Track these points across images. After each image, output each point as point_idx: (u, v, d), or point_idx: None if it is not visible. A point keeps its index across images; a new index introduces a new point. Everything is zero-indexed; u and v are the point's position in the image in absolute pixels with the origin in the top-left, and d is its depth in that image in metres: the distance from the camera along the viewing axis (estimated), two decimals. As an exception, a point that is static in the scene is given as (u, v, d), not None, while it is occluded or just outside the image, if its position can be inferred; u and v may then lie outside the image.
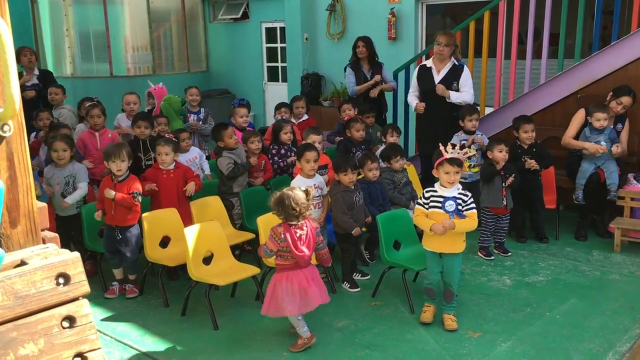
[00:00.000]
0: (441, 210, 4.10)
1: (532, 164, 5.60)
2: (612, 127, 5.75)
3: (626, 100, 5.71)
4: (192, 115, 7.10)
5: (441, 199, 4.12)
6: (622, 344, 3.91)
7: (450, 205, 4.08)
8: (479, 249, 5.53)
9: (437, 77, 6.34)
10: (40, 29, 12.26)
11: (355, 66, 7.43)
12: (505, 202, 5.36)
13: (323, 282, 4.07)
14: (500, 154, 5.34)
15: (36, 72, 7.78)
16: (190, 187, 5.14)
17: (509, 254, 5.52)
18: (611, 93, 5.83)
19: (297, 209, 3.74)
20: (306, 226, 3.85)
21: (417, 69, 6.59)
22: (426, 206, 4.17)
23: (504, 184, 5.34)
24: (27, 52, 7.67)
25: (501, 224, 5.51)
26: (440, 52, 6.27)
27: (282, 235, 3.77)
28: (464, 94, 6.24)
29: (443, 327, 4.18)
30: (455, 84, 6.30)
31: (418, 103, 6.42)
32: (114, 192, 4.68)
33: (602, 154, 5.67)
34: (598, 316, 4.32)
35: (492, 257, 5.44)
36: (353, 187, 4.90)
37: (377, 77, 7.25)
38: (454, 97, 6.19)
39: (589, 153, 5.69)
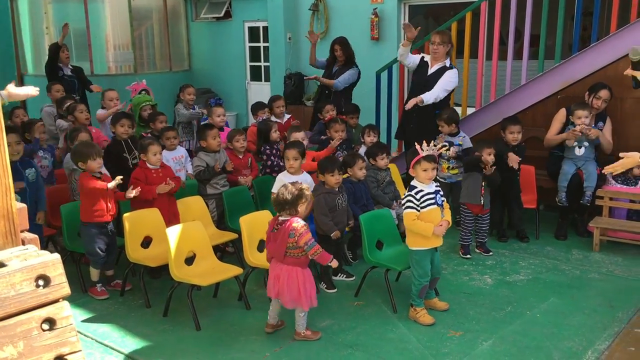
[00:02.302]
0: (435, 206, 4.17)
1: (513, 159, 5.62)
2: (594, 125, 5.81)
3: (604, 93, 5.79)
4: (192, 110, 7.24)
5: (432, 195, 4.18)
6: (601, 342, 3.96)
7: (439, 199, 4.22)
8: (460, 247, 5.57)
9: (430, 70, 6.34)
10: (20, 27, 12.11)
11: (330, 64, 7.58)
12: (482, 201, 5.39)
13: (296, 288, 3.91)
14: (489, 157, 5.36)
15: (70, 67, 8.18)
16: (162, 187, 5.00)
17: (491, 253, 5.56)
18: (587, 93, 5.91)
19: (282, 198, 3.87)
20: (284, 224, 3.88)
21: (420, 54, 6.56)
22: (419, 208, 4.16)
23: (483, 183, 5.38)
24: (64, 48, 8.10)
25: (481, 224, 5.55)
26: (434, 51, 6.28)
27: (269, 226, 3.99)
28: (432, 92, 6.13)
29: (435, 313, 4.33)
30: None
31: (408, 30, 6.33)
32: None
33: (582, 155, 5.74)
34: (577, 314, 4.37)
35: (470, 256, 5.48)
36: (337, 189, 4.90)
37: (314, 77, 7.55)
38: (426, 98, 6.11)
39: (570, 141, 5.70)
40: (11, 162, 4.51)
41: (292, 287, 3.90)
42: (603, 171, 3.88)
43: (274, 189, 4.89)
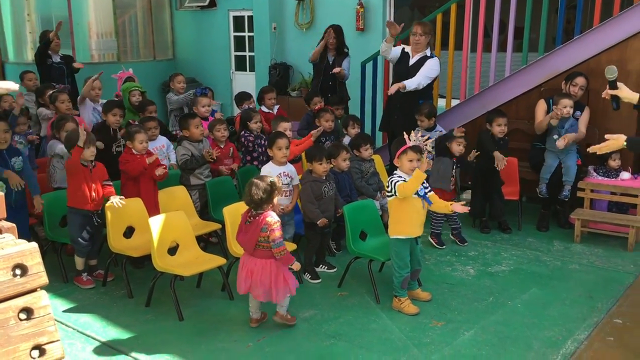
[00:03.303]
0: (416, 196, 4.18)
1: (500, 160, 5.64)
2: (572, 114, 5.84)
3: (580, 80, 5.85)
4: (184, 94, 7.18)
5: None
6: (581, 332, 4.01)
7: (421, 190, 4.22)
8: (431, 234, 5.57)
9: (412, 61, 6.35)
10: (0, 14, 11.90)
11: (322, 53, 7.49)
12: (452, 187, 5.43)
13: (270, 282, 3.89)
14: (457, 147, 5.41)
15: (59, 54, 8.19)
16: (160, 170, 5.07)
17: (466, 243, 5.60)
18: (564, 82, 5.95)
19: (255, 198, 3.81)
20: (259, 217, 3.86)
21: (401, 46, 6.55)
22: (401, 180, 4.18)
23: (453, 169, 5.43)
24: (55, 36, 8.07)
25: (452, 215, 5.50)
26: (417, 42, 6.28)
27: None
28: (415, 78, 6.15)
29: (418, 303, 4.36)
30: None
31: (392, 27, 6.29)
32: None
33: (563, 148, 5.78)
34: (558, 305, 4.42)
35: (445, 247, 5.51)
36: (324, 178, 4.90)
37: (336, 70, 7.28)
38: (409, 84, 6.11)
39: (555, 120, 5.70)
40: None
41: (264, 280, 3.88)
42: (588, 149, 3.86)
43: None
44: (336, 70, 7.25)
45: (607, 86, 3.90)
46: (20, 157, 4.96)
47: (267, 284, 3.88)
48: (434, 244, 5.55)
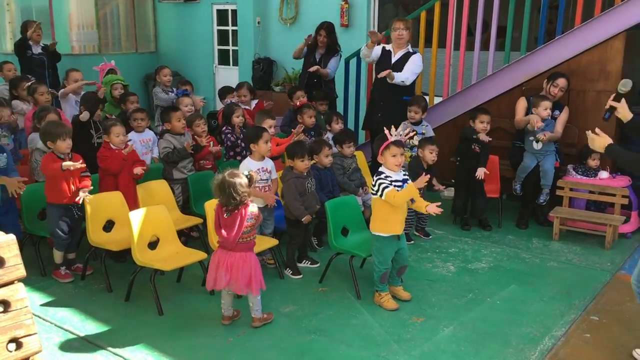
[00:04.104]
0: (399, 189, 4.17)
1: (480, 173, 5.72)
2: (551, 114, 5.90)
3: (561, 82, 5.91)
4: (170, 93, 7.06)
5: (399, 183, 4.19)
6: (558, 329, 4.06)
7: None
8: None
9: (394, 59, 6.39)
10: (-22, 2, 11.68)
11: (311, 49, 7.48)
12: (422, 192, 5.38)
13: (250, 274, 3.89)
14: (430, 155, 5.40)
15: (41, 44, 8.09)
16: (139, 170, 5.06)
17: (430, 237, 5.69)
18: (545, 80, 6.02)
19: (238, 199, 3.74)
20: (240, 209, 3.81)
21: (380, 46, 6.55)
22: (392, 187, 4.15)
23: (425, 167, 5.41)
24: (36, 26, 8.02)
25: (423, 214, 5.55)
26: (399, 37, 6.31)
27: (215, 215, 3.88)
28: (402, 73, 6.22)
29: (397, 301, 4.36)
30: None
31: (373, 35, 6.31)
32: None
33: (540, 149, 5.84)
34: (536, 302, 4.47)
35: (412, 241, 5.55)
36: (306, 174, 4.90)
37: (313, 69, 7.25)
38: (397, 76, 6.17)
39: (530, 125, 5.76)
40: None
41: (245, 273, 3.87)
42: (586, 132, 3.86)
43: None
44: (313, 68, 7.22)
45: (613, 96, 3.92)
46: (5, 154, 4.81)
47: (248, 277, 3.88)
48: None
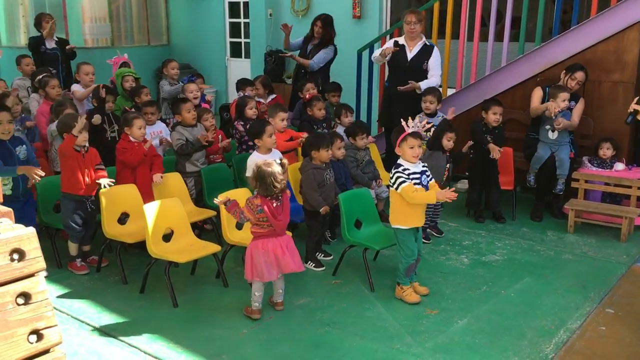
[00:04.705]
0: (420, 186, 4.16)
1: (494, 150, 5.62)
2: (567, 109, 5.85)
3: (579, 75, 5.85)
4: (177, 86, 7.06)
5: (417, 175, 4.18)
6: (573, 322, 4.04)
7: (425, 179, 4.21)
8: None
9: (410, 54, 6.35)
10: (-7, -4, 11.77)
11: (307, 40, 7.49)
12: (444, 181, 5.30)
13: (297, 252, 4.10)
14: (448, 143, 5.30)
15: (55, 38, 8.01)
16: (157, 177, 5.10)
17: (443, 234, 5.57)
18: (564, 71, 5.96)
19: (279, 186, 3.85)
20: (284, 196, 3.97)
21: (391, 40, 6.51)
22: (410, 181, 4.13)
23: (447, 165, 5.31)
24: (49, 18, 7.91)
25: (437, 206, 5.43)
26: (411, 31, 6.27)
27: (259, 207, 3.85)
28: (432, 79, 6.26)
29: (416, 296, 4.32)
30: (425, 64, 6.34)
31: (387, 48, 6.31)
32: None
33: (556, 139, 5.79)
34: (551, 294, 4.45)
35: (430, 241, 5.40)
36: (324, 165, 4.90)
37: (289, 54, 7.39)
38: (424, 85, 6.20)
39: (549, 112, 5.71)
40: (1, 141, 4.37)
41: (295, 250, 4.05)
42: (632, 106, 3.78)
43: (249, 173, 4.67)
44: (287, 54, 7.31)
45: (637, 99, 3.88)
46: (24, 145, 4.81)
47: (295, 253, 4.05)
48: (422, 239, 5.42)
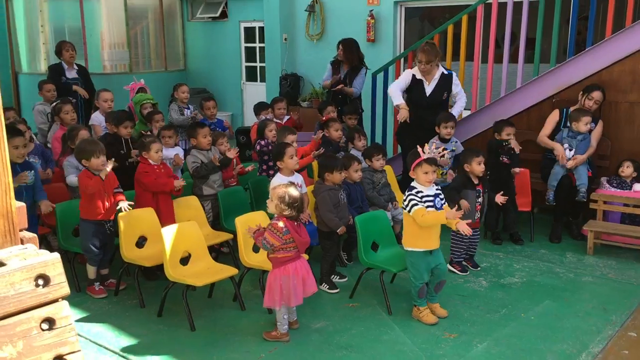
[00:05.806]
0: (433, 209, 4.17)
1: (499, 198, 5.28)
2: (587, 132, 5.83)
3: (597, 95, 5.84)
4: (186, 110, 7.14)
5: (431, 198, 4.19)
6: (595, 345, 3.98)
7: (438, 202, 4.22)
8: (453, 263, 5.25)
9: (428, 89, 6.26)
10: (15, 24, 12.06)
11: (336, 64, 7.53)
12: (478, 215, 5.17)
13: (312, 272, 4.15)
14: (478, 167, 5.05)
15: (75, 67, 8.06)
16: (178, 183, 5.18)
17: (479, 268, 5.33)
18: (581, 92, 5.95)
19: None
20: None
21: (409, 71, 6.42)
22: (422, 205, 4.14)
23: (479, 200, 5.13)
24: (69, 47, 7.99)
25: (473, 238, 5.12)
26: (424, 70, 6.20)
27: (285, 229, 3.87)
28: (459, 103, 6.27)
29: (433, 317, 4.31)
30: (445, 94, 6.30)
31: (403, 109, 6.20)
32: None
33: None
34: (571, 317, 4.39)
35: (467, 272, 5.23)
36: (338, 186, 4.92)
37: (339, 87, 7.33)
38: (456, 111, 6.24)
39: (558, 157, 5.75)
40: (11, 164, 4.43)
41: (310, 273, 4.09)
42: None
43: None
44: (338, 87, 7.29)
45: None
46: (33, 171, 4.94)
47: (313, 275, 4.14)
48: (457, 272, 5.20)
